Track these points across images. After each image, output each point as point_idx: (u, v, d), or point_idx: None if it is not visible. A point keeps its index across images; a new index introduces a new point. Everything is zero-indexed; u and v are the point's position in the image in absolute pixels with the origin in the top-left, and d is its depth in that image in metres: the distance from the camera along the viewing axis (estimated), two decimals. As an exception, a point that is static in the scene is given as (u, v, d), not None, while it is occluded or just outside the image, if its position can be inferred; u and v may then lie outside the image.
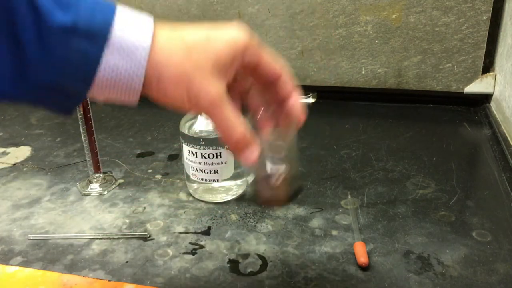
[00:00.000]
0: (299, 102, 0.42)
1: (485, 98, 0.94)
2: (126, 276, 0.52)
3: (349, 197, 0.66)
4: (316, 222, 0.60)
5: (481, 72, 0.91)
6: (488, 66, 0.91)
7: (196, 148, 0.61)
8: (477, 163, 0.78)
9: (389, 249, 0.55)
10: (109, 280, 0.51)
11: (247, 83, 0.43)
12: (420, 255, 0.54)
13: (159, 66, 0.36)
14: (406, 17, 0.91)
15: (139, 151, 0.82)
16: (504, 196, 0.64)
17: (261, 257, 0.54)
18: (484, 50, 0.89)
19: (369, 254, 0.53)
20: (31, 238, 0.59)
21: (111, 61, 0.35)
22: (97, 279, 0.51)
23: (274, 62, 0.40)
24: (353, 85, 0.99)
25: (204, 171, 0.62)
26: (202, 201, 0.66)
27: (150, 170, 0.75)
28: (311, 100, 1.02)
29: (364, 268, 0.52)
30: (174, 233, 0.59)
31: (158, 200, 0.67)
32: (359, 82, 0.98)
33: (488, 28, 0.88)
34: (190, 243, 0.57)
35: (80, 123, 0.67)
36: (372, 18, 0.92)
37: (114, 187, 0.71)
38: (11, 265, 0.54)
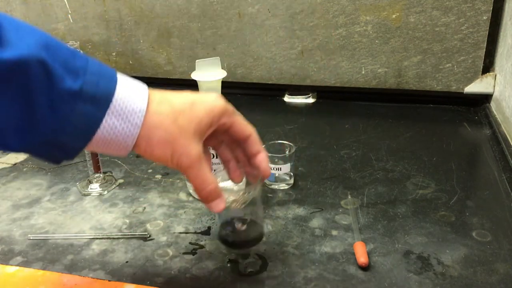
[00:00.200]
0: (265, 159, 0.49)
1: (485, 98, 0.94)
2: (126, 276, 0.52)
3: (349, 197, 0.66)
4: (316, 222, 0.60)
5: (481, 72, 0.91)
6: (488, 66, 0.92)
7: (196, 148, 0.61)
8: (477, 163, 0.78)
9: (389, 249, 0.55)
10: (109, 280, 0.51)
11: (220, 138, 0.50)
12: (420, 255, 0.54)
13: (151, 128, 0.42)
14: (406, 17, 0.91)
15: (139, 151, 0.82)
16: (504, 196, 0.64)
17: (261, 257, 0.54)
18: (484, 50, 0.89)
19: (369, 254, 0.53)
20: (31, 238, 0.59)
21: (110, 123, 0.40)
22: (97, 279, 0.51)
23: (245, 125, 0.48)
24: (353, 85, 0.99)
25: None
26: (202, 201, 0.66)
27: (150, 170, 0.75)
28: (311, 100, 1.02)
29: (364, 268, 0.52)
30: (174, 233, 0.59)
31: (158, 200, 0.67)
32: (359, 82, 0.98)
33: (488, 28, 0.88)
34: (190, 243, 0.57)
35: (80, 123, 0.67)
36: (372, 18, 0.92)
37: (114, 187, 0.71)
38: (11, 265, 0.54)
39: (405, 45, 0.93)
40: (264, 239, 0.56)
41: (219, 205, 0.47)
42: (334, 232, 0.58)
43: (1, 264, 0.55)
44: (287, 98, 1.03)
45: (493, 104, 0.92)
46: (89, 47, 1.11)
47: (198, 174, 0.45)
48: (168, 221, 0.62)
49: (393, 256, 0.53)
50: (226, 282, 0.51)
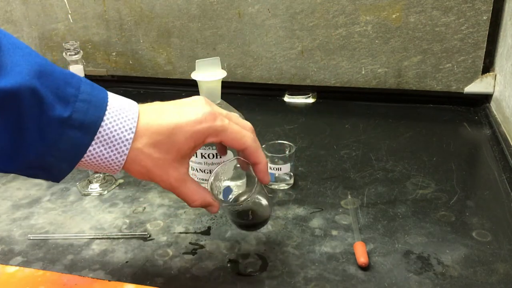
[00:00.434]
0: (264, 169, 0.50)
1: (485, 98, 0.94)
2: (126, 276, 0.52)
3: (349, 197, 0.66)
4: (316, 222, 0.60)
5: (481, 72, 0.91)
6: (488, 66, 0.91)
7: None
8: (477, 163, 0.78)
9: (389, 249, 0.55)
10: (109, 280, 0.51)
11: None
12: (420, 255, 0.54)
13: (129, 161, 0.44)
14: (406, 17, 0.91)
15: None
16: (504, 196, 0.64)
17: (261, 257, 0.54)
18: (484, 50, 0.89)
19: (369, 254, 0.53)
20: (31, 238, 0.59)
21: (97, 150, 0.42)
22: (97, 279, 0.51)
23: (237, 140, 0.47)
24: (353, 85, 0.99)
25: (204, 171, 0.62)
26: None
27: (150, 170, 0.75)
28: (311, 100, 1.02)
29: (364, 268, 0.52)
30: (174, 233, 0.59)
31: (158, 200, 0.67)
32: (359, 82, 0.98)
33: (488, 28, 0.88)
34: (190, 243, 0.57)
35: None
36: (372, 18, 0.92)
37: (114, 187, 0.71)
38: (11, 265, 0.54)
39: (405, 45, 0.93)
40: (267, 224, 0.56)
41: (212, 211, 0.50)
42: (334, 232, 0.58)
43: (1, 264, 0.54)
44: (287, 98, 1.03)
45: (493, 104, 0.92)
46: (89, 47, 1.11)
47: (181, 193, 0.47)
48: (168, 221, 0.62)
49: (393, 256, 0.53)
50: (226, 282, 0.51)
